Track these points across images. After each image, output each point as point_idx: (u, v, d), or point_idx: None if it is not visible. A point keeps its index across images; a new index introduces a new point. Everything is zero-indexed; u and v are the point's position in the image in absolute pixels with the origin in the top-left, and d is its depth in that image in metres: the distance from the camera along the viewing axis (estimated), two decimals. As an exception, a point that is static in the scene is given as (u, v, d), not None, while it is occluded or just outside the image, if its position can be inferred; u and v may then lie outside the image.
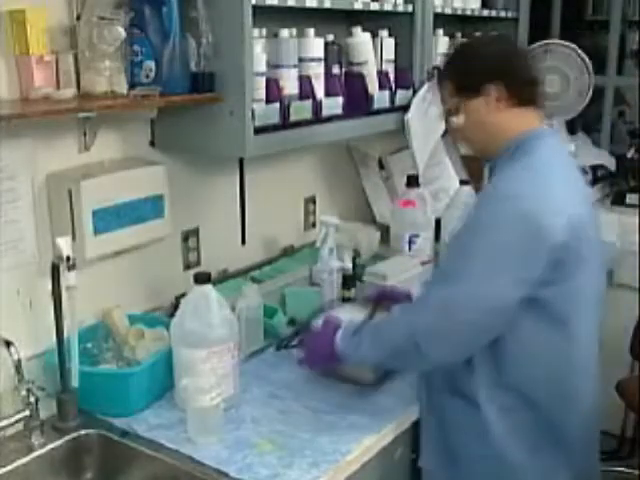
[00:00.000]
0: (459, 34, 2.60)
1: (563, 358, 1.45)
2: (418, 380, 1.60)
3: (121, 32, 1.51)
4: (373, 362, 1.58)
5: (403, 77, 2.19)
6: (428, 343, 1.40)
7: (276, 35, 1.79)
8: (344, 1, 1.92)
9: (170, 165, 1.82)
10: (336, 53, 1.97)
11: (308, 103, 1.83)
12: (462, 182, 2.48)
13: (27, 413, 1.45)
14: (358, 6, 1.96)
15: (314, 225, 2.44)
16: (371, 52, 2.07)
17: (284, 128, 1.77)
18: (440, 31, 2.38)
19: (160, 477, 1.44)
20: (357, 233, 2.40)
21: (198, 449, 1.45)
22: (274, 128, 1.74)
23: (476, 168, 1.55)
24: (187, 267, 1.98)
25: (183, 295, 1.68)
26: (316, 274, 2.13)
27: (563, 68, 3.22)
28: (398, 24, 2.20)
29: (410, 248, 2.35)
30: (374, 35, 2.10)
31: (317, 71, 1.87)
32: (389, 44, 2.14)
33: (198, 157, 1.92)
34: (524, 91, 1.49)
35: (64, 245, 1.44)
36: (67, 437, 1.51)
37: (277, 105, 1.73)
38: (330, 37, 1.96)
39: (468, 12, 2.49)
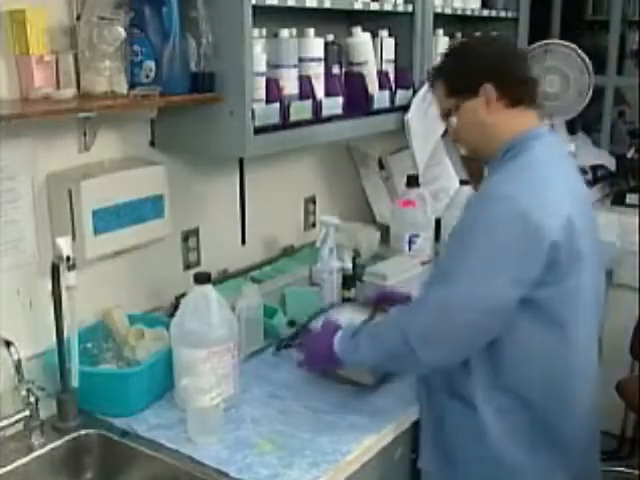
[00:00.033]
0: (459, 34, 2.60)
1: (560, 360, 1.44)
2: (417, 382, 1.60)
3: (121, 32, 1.51)
4: (371, 365, 1.58)
5: (403, 77, 2.19)
6: (423, 346, 1.40)
7: (276, 35, 1.79)
8: (344, 1, 1.92)
9: (170, 165, 1.82)
10: (336, 53, 1.97)
11: (308, 103, 1.83)
12: (462, 182, 2.48)
13: (27, 413, 1.45)
14: (358, 6, 1.96)
15: (314, 225, 2.44)
16: (371, 52, 2.07)
17: (284, 128, 1.77)
18: (440, 31, 2.38)
19: (160, 477, 1.44)
20: (357, 233, 2.40)
21: (198, 449, 1.45)
22: (274, 128, 1.74)
23: (476, 168, 1.55)
24: (187, 267, 1.98)
25: (183, 295, 1.68)
26: (316, 274, 2.13)
27: (563, 68, 3.22)
28: (398, 24, 2.20)
29: (410, 248, 2.35)
30: (374, 35, 2.10)
31: (317, 71, 1.87)
32: (389, 44, 2.14)
33: (198, 157, 1.92)
34: (520, 91, 1.48)
35: (64, 245, 1.44)
36: (67, 437, 1.51)
37: (277, 105, 1.73)
38: (330, 37, 1.96)
39: (468, 12, 2.49)
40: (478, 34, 2.65)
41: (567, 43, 3.23)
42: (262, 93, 1.71)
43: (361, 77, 2.04)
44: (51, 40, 1.50)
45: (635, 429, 2.93)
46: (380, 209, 2.62)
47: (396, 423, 1.57)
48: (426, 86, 2.25)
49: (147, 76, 1.59)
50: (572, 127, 3.42)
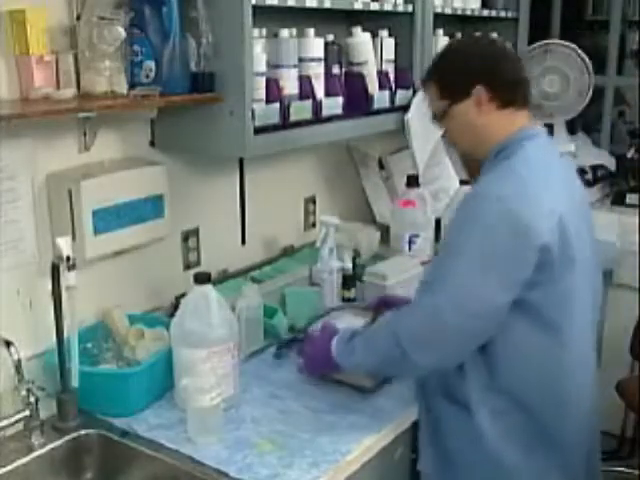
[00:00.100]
0: (459, 34, 2.60)
1: (554, 361, 1.44)
2: (415, 384, 1.60)
3: (121, 32, 1.51)
4: (367, 369, 1.58)
5: (403, 77, 2.19)
6: (415, 350, 1.40)
7: (276, 35, 1.79)
8: (344, 1, 1.92)
9: (170, 165, 1.82)
10: (336, 53, 1.97)
11: (308, 103, 1.83)
12: (462, 182, 2.48)
13: (27, 413, 1.45)
14: (358, 6, 1.96)
15: (314, 225, 2.44)
16: (371, 52, 2.07)
17: (284, 128, 1.77)
18: (440, 31, 2.39)
19: (160, 477, 1.44)
20: (357, 233, 2.40)
21: (198, 449, 1.45)
22: (274, 128, 1.74)
23: (476, 168, 1.54)
24: (187, 267, 1.98)
25: (183, 295, 1.68)
26: (316, 274, 2.13)
27: (563, 68, 3.22)
28: (398, 24, 2.20)
29: (410, 248, 2.35)
30: (374, 35, 2.10)
31: (317, 71, 1.87)
32: (389, 44, 2.14)
33: (198, 157, 1.92)
34: (512, 92, 1.48)
35: (64, 245, 1.44)
36: (67, 437, 1.51)
37: (277, 105, 1.73)
38: (330, 37, 1.96)
39: (468, 12, 2.49)
40: (478, 34, 2.65)
41: (567, 43, 3.23)
42: (262, 93, 1.71)
43: (361, 77, 2.04)
44: (51, 40, 1.50)
45: (635, 429, 2.93)
46: (380, 209, 2.62)
47: (396, 423, 1.57)
48: (426, 86, 2.25)
49: (147, 76, 1.59)
50: (572, 127, 3.42)
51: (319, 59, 1.87)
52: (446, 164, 2.68)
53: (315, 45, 1.86)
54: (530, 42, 3.02)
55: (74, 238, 1.55)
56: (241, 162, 2.04)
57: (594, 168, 3.16)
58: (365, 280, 2.15)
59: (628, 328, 2.68)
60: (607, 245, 2.74)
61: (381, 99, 2.10)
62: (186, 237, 1.98)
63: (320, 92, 1.88)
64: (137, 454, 1.47)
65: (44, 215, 1.59)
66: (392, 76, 2.15)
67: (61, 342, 1.51)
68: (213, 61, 1.63)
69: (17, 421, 1.46)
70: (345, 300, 2.17)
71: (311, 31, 1.85)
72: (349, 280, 2.17)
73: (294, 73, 1.81)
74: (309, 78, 1.84)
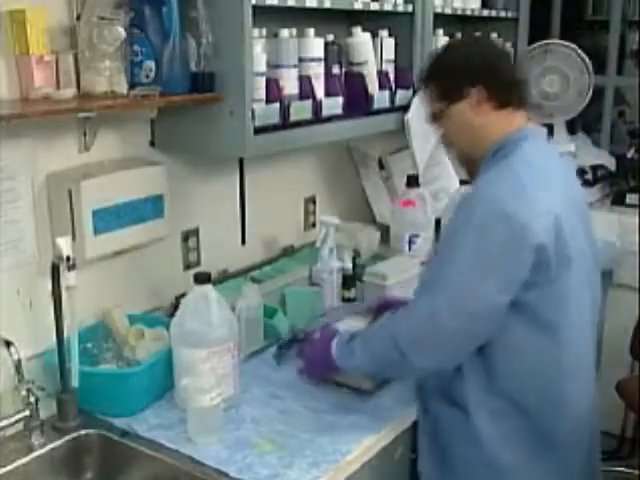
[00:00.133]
0: (459, 34, 2.60)
1: (551, 363, 1.43)
2: (414, 385, 1.60)
3: (121, 32, 1.51)
4: (366, 371, 1.58)
5: (403, 77, 2.19)
6: (413, 352, 1.40)
7: (276, 35, 1.79)
8: (344, 1, 1.92)
9: (170, 165, 1.82)
10: (336, 53, 1.97)
11: (308, 103, 1.83)
12: (462, 182, 2.48)
13: (27, 413, 1.45)
14: (358, 6, 1.96)
15: (314, 225, 2.44)
16: (371, 52, 2.07)
17: (284, 128, 1.77)
18: (440, 31, 2.38)
19: (160, 477, 1.44)
20: (357, 233, 2.40)
21: (198, 449, 1.45)
22: (274, 128, 1.74)
23: (474, 168, 1.55)
24: (187, 267, 1.98)
25: (183, 295, 1.68)
26: (316, 274, 2.14)
27: (563, 68, 3.22)
28: (398, 24, 2.20)
29: (410, 248, 2.35)
30: (374, 35, 2.10)
31: (317, 71, 1.87)
32: (389, 44, 2.14)
33: (198, 157, 1.92)
34: (508, 92, 1.47)
35: (64, 245, 1.44)
36: (67, 437, 1.51)
37: (277, 105, 1.73)
38: (330, 37, 1.96)
39: (468, 12, 2.49)
40: (478, 34, 2.66)
41: (567, 43, 3.23)
42: (262, 93, 1.71)
43: (361, 77, 2.04)
44: (51, 40, 1.50)
45: (635, 429, 2.93)
46: (380, 209, 2.62)
47: (396, 423, 1.57)
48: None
49: (147, 76, 1.59)
50: (572, 127, 3.42)
51: (319, 59, 1.87)
52: (446, 164, 2.68)
53: (315, 45, 1.86)
54: (530, 42, 3.01)
55: (74, 238, 1.55)
56: (241, 162, 2.04)
57: (594, 168, 3.16)
58: (365, 280, 2.15)
59: (628, 328, 2.68)
60: (607, 245, 2.75)
61: (381, 99, 2.10)
62: (186, 237, 1.98)
63: (320, 92, 1.88)
64: (137, 454, 1.47)
65: (44, 215, 1.59)
66: (392, 76, 2.15)
67: (61, 342, 1.51)
68: (213, 61, 1.63)
69: (17, 421, 1.46)
70: (345, 300, 2.17)
71: (311, 31, 1.85)
72: (349, 280, 2.17)
73: (294, 73, 1.81)
74: (309, 78, 1.84)
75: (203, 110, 1.68)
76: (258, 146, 1.70)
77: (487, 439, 1.44)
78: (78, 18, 1.54)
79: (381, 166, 2.64)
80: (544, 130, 1.60)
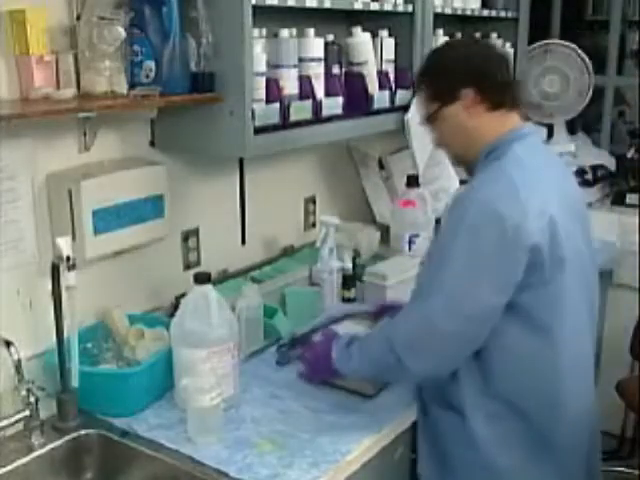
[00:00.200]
0: (459, 34, 2.60)
1: (546, 364, 1.43)
2: (414, 388, 1.60)
3: (121, 32, 1.51)
4: (364, 375, 1.58)
5: (403, 77, 2.19)
6: (409, 356, 1.41)
7: (276, 35, 1.79)
8: (344, 1, 1.92)
9: (170, 165, 1.82)
10: (336, 53, 1.97)
11: (308, 103, 1.83)
12: (462, 182, 2.48)
13: (27, 413, 1.45)
14: (358, 6, 1.96)
15: (314, 225, 2.44)
16: (371, 52, 2.07)
17: (284, 128, 1.77)
18: (440, 31, 2.38)
19: (160, 477, 1.44)
20: (357, 233, 2.40)
21: (198, 449, 1.45)
22: (274, 128, 1.74)
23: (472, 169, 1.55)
24: (187, 267, 1.98)
25: (183, 295, 1.68)
26: (316, 274, 2.14)
27: (563, 68, 3.23)
28: (398, 24, 2.20)
29: (410, 248, 2.35)
30: (374, 35, 2.10)
31: (317, 71, 1.87)
32: (389, 44, 2.14)
33: (198, 157, 1.92)
34: (501, 94, 1.47)
35: (64, 245, 1.44)
36: (67, 437, 1.51)
37: (277, 105, 1.73)
38: (330, 37, 1.96)
39: (468, 12, 2.49)
40: (478, 34, 2.66)
41: (567, 43, 3.24)
42: (262, 93, 1.71)
43: (361, 77, 2.04)
44: (51, 40, 1.50)
45: (635, 429, 2.94)
46: (380, 209, 2.62)
47: (396, 423, 1.57)
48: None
49: (147, 76, 1.59)
50: (572, 127, 3.42)
51: (319, 59, 1.87)
52: (446, 164, 2.68)
53: (315, 45, 1.86)
54: (530, 42, 3.01)
55: (74, 238, 1.55)
56: (241, 162, 2.04)
57: (594, 168, 3.16)
58: (365, 280, 2.15)
59: (628, 328, 2.68)
60: (607, 245, 2.75)
61: (381, 99, 2.09)
62: (186, 237, 1.98)
63: (320, 92, 1.88)
64: (137, 454, 1.47)
65: (44, 215, 1.59)
66: (392, 76, 2.15)
67: (61, 342, 1.51)
68: (213, 61, 1.63)
69: (17, 421, 1.46)
70: (345, 300, 2.17)
71: (311, 31, 1.85)
72: (349, 280, 2.17)
73: (294, 73, 1.81)
74: (309, 78, 1.84)
75: (203, 110, 1.68)
76: (258, 146, 1.70)
77: (483, 442, 1.44)
78: (78, 18, 1.54)
79: (381, 166, 2.64)
80: (541, 130, 1.60)
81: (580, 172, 3.04)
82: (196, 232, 2.00)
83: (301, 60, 1.83)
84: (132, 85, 1.57)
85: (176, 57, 1.58)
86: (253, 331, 1.84)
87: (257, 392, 1.67)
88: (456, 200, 1.44)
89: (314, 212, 2.45)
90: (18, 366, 1.43)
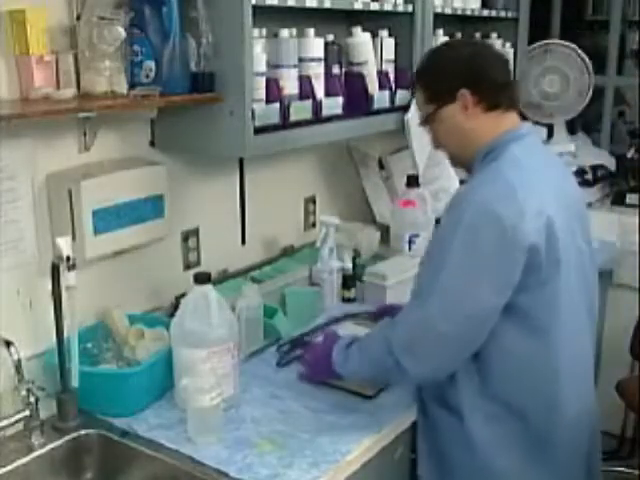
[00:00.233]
0: (459, 34, 2.60)
1: (543, 365, 1.43)
2: (414, 389, 1.60)
3: (121, 32, 1.51)
4: (363, 377, 1.58)
5: (403, 77, 2.19)
6: (407, 358, 1.41)
7: (276, 35, 1.79)
8: (344, 1, 1.92)
9: (170, 165, 1.82)
10: (336, 53, 1.97)
11: (308, 103, 1.83)
12: (462, 182, 2.48)
13: (27, 413, 1.45)
14: (358, 6, 1.96)
15: (314, 225, 2.44)
16: (371, 52, 2.07)
17: (284, 128, 1.77)
18: (440, 31, 2.38)
19: (160, 477, 1.44)
20: (357, 233, 2.40)
21: (198, 449, 1.45)
22: (274, 128, 1.74)
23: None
24: (187, 267, 1.98)
25: (183, 295, 1.68)
26: (316, 274, 2.14)
27: (563, 68, 3.23)
28: (398, 24, 2.20)
29: (410, 248, 2.35)
30: (374, 35, 2.10)
31: (317, 71, 1.87)
32: (389, 44, 2.14)
33: (198, 157, 1.92)
34: (497, 95, 1.47)
35: (64, 245, 1.44)
36: (67, 437, 1.51)
37: (277, 105, 1.73)
38: (330, 37, 1.96)
39: (468, 12, 2.49)
40: (478, 34, 2.66)
41: (567, 43, 3.24)
42: (262, 93, 1.71)
43: (361, 77, 2.04)
44: (51, 40, 1.50)
45: (635, 429, 2.94)
46: (380, 209, 2.62)
47: (396, 423, 1.57)
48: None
49: (147, 76, 1.59)
50: (572, 127, 3.42)
51: (319, 59, 1.87)
52: (446, 164, 2.65)
53: (315, 45, 1.86)
54: (530, 42, 3.02)
55: (74, 238, 1.55)
56: (241, 162, 2.04)
57: (594, 168, 3.16)
58: (365, 280, 2.15)
59: (628, 328, 2.68)
60: (607, 245, 2.75)
61: (381, 99, 2.09)
62: (186, 237, 1.98)
63: (320, 92, 1.88)
64: (137, 454, 1.47)
65: (44, 215, 1.59)
66: (392, 76, 2.15)
67: (61, 342, 1.51)
68: (213, 61, 1.63)
69: (17, 421, 1.46)
70: (345, 300, 2.17)
71: (311, 31, 1.85)
72: (349, 280, 2.17)
73: (294, 73, 1.81)
74: (309, 78, 1.84)
75: (203, 110, 1.68)
76: (258, 146, 1.70)
77: (481, 443, 1.44)
78: (78, 18, 1.54)
79: (381, 166, 2.64)
80: (539, 129, 1.60)
81: (580, 172, 3.05)
82: (196, 232, 2.00)
83: (301, 60, 1.83)
84: (132, 85, 1.57)
85: (176, 57, 1.58)
86: (253, 331, 1.84)
87: (257, 392, 1.67)
88: (454, 201, 1.44)
89: (314, 212, 2.45)
90: (18, 366, 1.43)
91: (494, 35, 2.68)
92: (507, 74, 1.53)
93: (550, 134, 3.26)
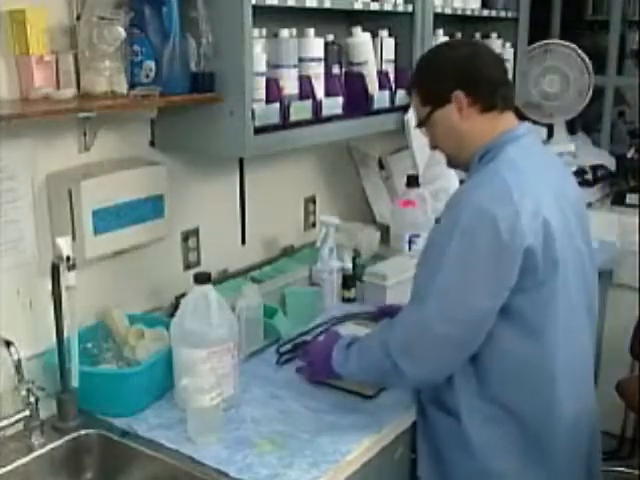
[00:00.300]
0: (459, 34, 2.60)
1: (541, 367, 1.43)
2: (413, 391, 1.60)
3: (121, 32, 1.51)
4: (361, 378, 1.58)
5: (403, 77, 2.19)
6: (404, 360, 1.41)
7: (276, 35, 1.79)
8: (344, 1, 1.92)
9: (170, 165, 1.82)
10: (336, 53, 1.97)
11: (308, 103, 1.83)
12: (462, 182, 2.47)
13: (27, 413, 1.45)
14: (358, 6, 1.96)
15: (314, 225, 2.44)
16: (371, 52, 2.07)
17: (284, 128, 1.77)
18: (440, 31, 2.38)
19: (160, 477, 1.44)
20: (357, 233, 2.40)
21: (198, 449, 1.44)
22: (274, 128, 1.74)
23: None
24: (187, 267, 1.98)
25: (183, 295, 1.68)
26: (316, 274, 2.14)
27: (563, 68, 3.23)
28: (398, 24, 2.20)
29: (410, 248, 2.35)
30: (374, 35, 2.10)
31: (317, 71, 1.87)
32: (389, 44, 2.14)
33: (198, 157, 1.92)
34: (491, 96, 1.46)
35: (64, 245, 1.44)
36: (67, 437, 1.51)
37: (277, 105, 1.73)
38: (330, 37, 1.96)
39: (468, 12, 2.49)
40: (478, 34, 2.66)
41: (567, 43, 3.24)
42: (262, 93, 1.71)
43: (361, 77, 2.04)
44: (51, 40, 1.50)
45: (635, 429, 2.94)
46: (380, 209, 2.62)
47: (396, 423, 1.57)
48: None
49: (147, 76, 1.59)
50: (572, 127, 3.42)
51: (319, 59, 1.87)
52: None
53: (315, 45, 1.86)
54: (530, 42, 3.02)
55: (74, 238, 1.55)
56: (241, 162, 2.04)
57: (594, 168, 3.16)
58: (365, 280, 2.15)
59: (628, 328, 2.68)
60: (607, 245, 2.75)
61: (381, 99, 2.09)
62: (186, 237, 1.98)
63: (320, 92, 1.88)
64: (137, 454, 1.47)
65: (44, 215, 1.59)
66: (392, 76, 2.15)
67: (61, 342, 1.51)
68: (213, 61, 1.63)
69: (17, 421, 1.46)
70: (345, 300, 2.17)
71: (311, 31, 1.85)
72: (349, 280, 2.17)
73: (294, 73, 1.81)
74: (309, 78, 1.84)
75: (203, 110, 1.68)
76: (258, 146, 1.70)
77: (479, 445, 1.44)
78: (78, 18, 1.54)
79: (381, 166, 2.64)
80: (538, 130, 1.60)
81: (580, 172, 3.05)
82: (196, 232, 2.00)
83: (301, 60, 1.83)
84: (132, 85, 1.57)
85: (176, 57, 1.58)
86: (253, 331, 1.84)
87: (257, 392, 1.67)
88: (450, 202, 1.44)
89: (314, 212, 2.45)
90: (18, 366, 1.43)
91: (494, 35, 2.67)
92: (502, 75, 1.52)
93: (550, 134, 3.26)
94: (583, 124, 3.52)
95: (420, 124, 1.54)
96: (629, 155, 3.12)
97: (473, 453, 1.45)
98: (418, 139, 2.28)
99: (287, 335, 1.90)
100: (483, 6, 2.58)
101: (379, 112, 2.11)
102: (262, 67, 1.70)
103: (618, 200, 3.05)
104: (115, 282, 1.78)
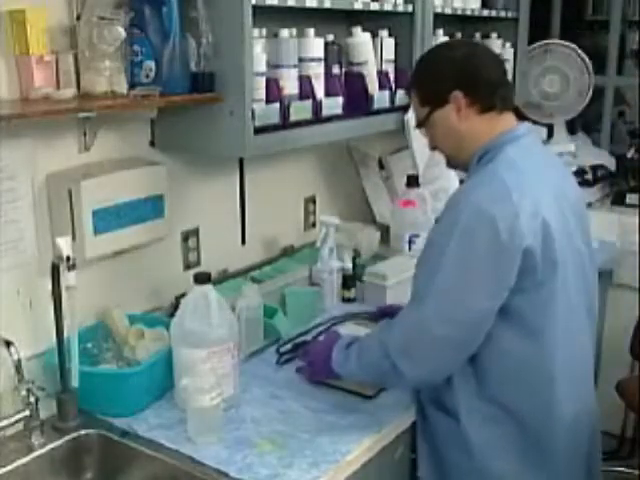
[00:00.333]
0: (459, 34, 2.60)
1: (540, 368, 1.43)
2: (412, 391, 1.60)
3: (121, 32, 1.51)
4: (360, 378, 1.58)
5: (403, 77, 2.19)
6: (403, 361, 1.41)
7: (276, 35, 1.79)
8: (344, 1, 1.92)
9: (170, 165, 1.82)
10: (336, 53, 1.97)
11: (308, 103, 1.83)
12: (462, 182, 2.47)
13: (27, 413, 1.45)
14: (358, 6, 1.96)
15: (314, 225, 2.44)
16: (371, 52, 2.07)
17: (284, 128, 1.77)
18: (440, 31, 2.38)
19: (160, 477, 1.44)
20: (357, 233, 2.40)
21: (198, 449, 1.44)
22: (274, 128, 1.74)
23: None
24: (187, 267, 1.98)
25: (183, 295, 1.68)
26: (316, 274, 2.14)
27: (563, 68, 3.23)
28: (398, 24, 2.20)
29: (410, 248, 2.35)
30: (374, 35, 2.10)
31: (317, 71, 1.87)
32: (389, 44, 2.14)
33: (198, 157, 1.92)
34: (490, 96, 1.46)
35: (64, 245, 1.44)
36: (67, 437, 1.51)
37: (277, 105, 1.73)
38: (330, 37, 1.96)
39: (468, 12, 2.49)
40: (478, 34, 2.66)
41: (567, 43, 3.24)
42: (262, 93, 1.71)
43: (361, 77, 2.04)
44: (51, 40, 1.50)
45: (635, 429, 2.94)
46: (380, 209, 2.62)
47: (396, 423, 1.57)
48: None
49: (147, 76, 1.59)
50: (572, 127, 3.42)
51: (319, 59, 1.87)
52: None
53: (315, 45, 1.86)
54: (530, 42, 3.02)
55: (74, 238, 1.55)
56: (241, 162, 2.04)
57: (594, 168, 3.16)
58: (365, 280, 2.15)
59: (628, 328, 2.68)
60: (607, 245, 2.75)
61: (381, 99, 2.09)
62: (186, 237, 1.98)
63: (320, 92, 1.88)
64: (137, 454, 1.47)
65: (44, 215, 1.59)
66: (392, 76, 2.15)
67: (61, 342, 1.51)
68: (213, 61, 1.63)
69: (17, 421, 1.46)
70: (345, 300, 2.17)
71: (311, 31, 1.85)
72: (349, 280, 2.17)
73: (294, 73, 1.81)
74: (309, 78, 1.84)
75: (203, 110, 1.68)
76: (258, 146, 1.70)
77: (478, 446, 1.44)
78: (78, 18, 1.54)
79: (381, 166, 2.64)
80: (538, 130, 1.59)
81: (580, 172, 3.05)
82: (196, 232, 2.00)
83: (301, 60, 1.83)
84: (132, 85, 1.57)
85: (176, 57, 1.58)
86: (253, 331, 1.84)
87: (257, 392, 1.67)
88: (450, 203, 1.44)
89: (314, 212, 2.45)
90: (18, 366, 1.43)
91: (494, 35, 2.68)
92: (502, 75, 1.52)
93: (550, 134, 3.26)
94: (583, 124, 3.52)
95: (419, 124, 1.54)
96: (629, 155, 3.12)
97: (472, 453, 1.45)
98: (418, 139, 2.28)
99: (287, 335, 1.90)
100: (483, 6, 2.58)
101: (379, 112, 2.11)
102: (262, 67, 1.70)
103: (618, 200, 3.05)
104: (115, 282, 1.78)
